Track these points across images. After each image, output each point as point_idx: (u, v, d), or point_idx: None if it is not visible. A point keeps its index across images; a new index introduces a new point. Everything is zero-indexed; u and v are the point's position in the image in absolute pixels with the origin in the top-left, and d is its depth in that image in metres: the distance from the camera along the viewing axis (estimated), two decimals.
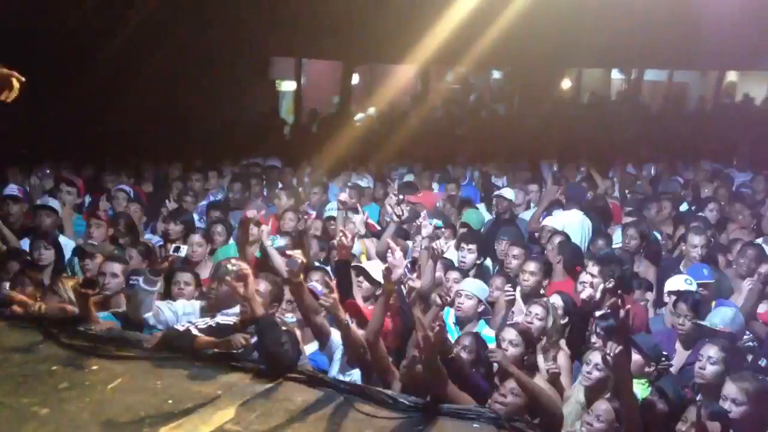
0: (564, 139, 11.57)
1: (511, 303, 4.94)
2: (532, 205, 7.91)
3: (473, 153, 10.71)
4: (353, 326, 4.12)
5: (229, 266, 4.23)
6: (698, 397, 4.02)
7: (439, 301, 4.53)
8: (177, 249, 4.95)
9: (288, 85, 16.61)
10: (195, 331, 4.20)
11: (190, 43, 11.09)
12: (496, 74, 20.62)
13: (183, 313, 4.59)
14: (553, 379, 4.31)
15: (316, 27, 11.66)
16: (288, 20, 11.48)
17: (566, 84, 18.16)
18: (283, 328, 4.03)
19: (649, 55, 12.83)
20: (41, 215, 6.37)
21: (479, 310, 5.05)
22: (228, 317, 4.35)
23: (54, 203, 6.63)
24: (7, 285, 4.92)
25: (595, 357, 4.02)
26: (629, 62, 14.94)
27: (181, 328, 4.25)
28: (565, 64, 15.02)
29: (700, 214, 7.41)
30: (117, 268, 5.04)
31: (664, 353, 4.31)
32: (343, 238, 4.81)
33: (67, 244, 6.11)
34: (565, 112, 14.34)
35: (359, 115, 15.06)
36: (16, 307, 4.65)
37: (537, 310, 4.61)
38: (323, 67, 16.97)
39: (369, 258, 5.85)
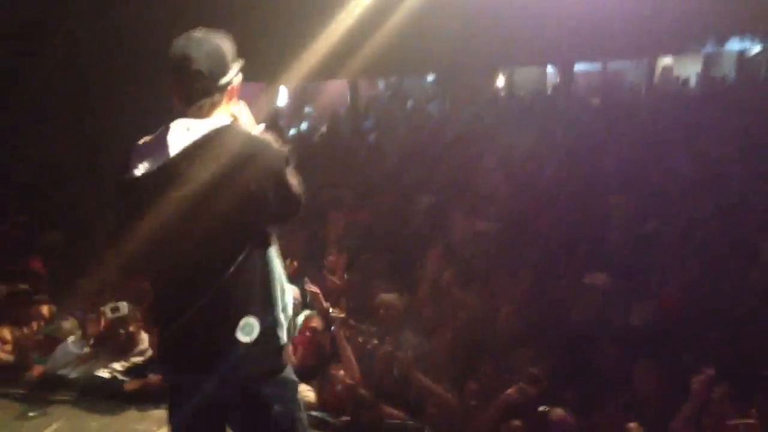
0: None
1: None
2: None
3: None
4: None
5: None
6: None
7: None
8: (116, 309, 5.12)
9: None
10: (121, 377, 4.81)
11: None
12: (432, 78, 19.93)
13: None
14: None
15: None
16: None
17: (500, 82, 17.57)
18: None
19: (578, 47, 12.39)
20: None
21: None
22: (137, 357, 5.02)
23: None
24: None
25: None
26: (557, 57, 14.45)
27: (107, 376, 4.83)
28: (492, 63, 14.49)
29: None
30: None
31: None
32: None
33: None
34: (495, 112, 13.74)
35: (292, 131, 14.77)
36: None
37: None
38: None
39: None
